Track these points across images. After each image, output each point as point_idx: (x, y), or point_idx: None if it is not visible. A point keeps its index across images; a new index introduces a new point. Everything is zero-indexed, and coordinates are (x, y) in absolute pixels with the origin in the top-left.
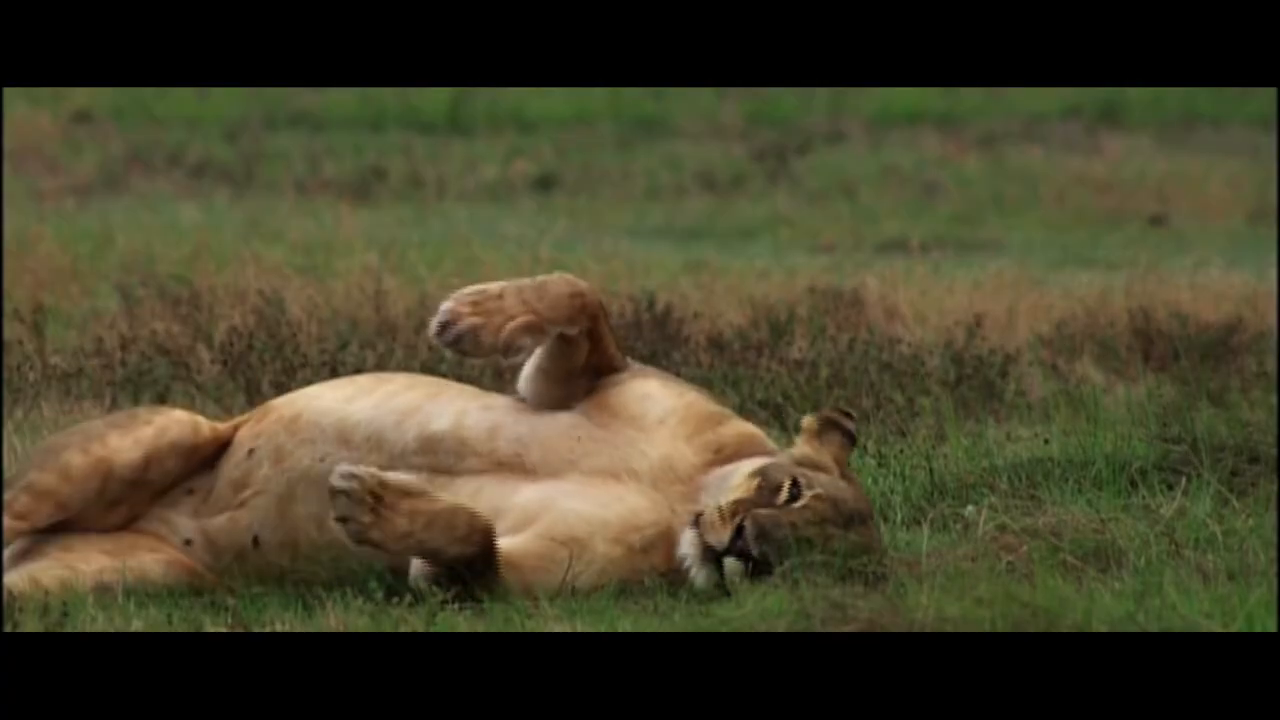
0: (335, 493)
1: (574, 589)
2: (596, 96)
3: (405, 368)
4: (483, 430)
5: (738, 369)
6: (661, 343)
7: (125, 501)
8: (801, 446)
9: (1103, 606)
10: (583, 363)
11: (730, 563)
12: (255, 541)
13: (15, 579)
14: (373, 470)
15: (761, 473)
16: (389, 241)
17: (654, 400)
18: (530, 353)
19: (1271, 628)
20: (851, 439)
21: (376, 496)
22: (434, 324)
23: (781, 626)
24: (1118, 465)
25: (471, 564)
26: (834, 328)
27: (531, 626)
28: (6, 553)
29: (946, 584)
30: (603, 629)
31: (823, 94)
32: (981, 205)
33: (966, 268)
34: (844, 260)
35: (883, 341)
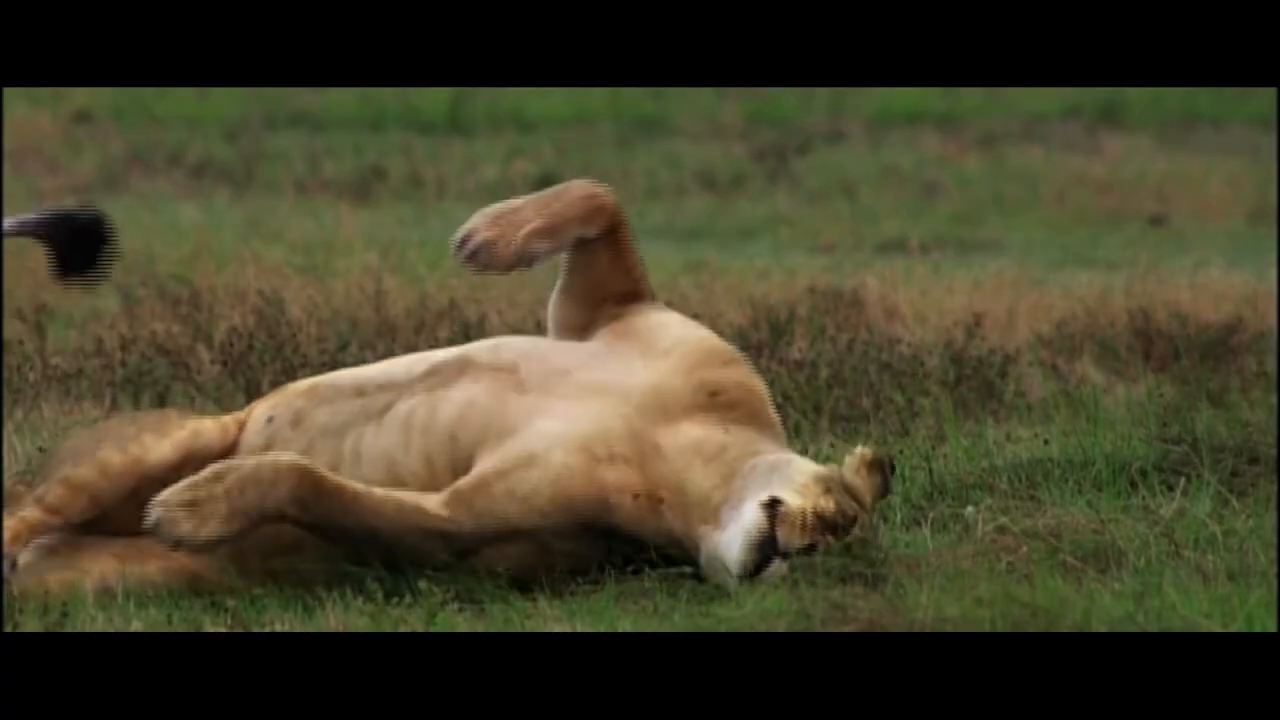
0: (152, 528)
1: (528, 503)
2: (596, 96)
3: None
4: (487, 346)
5: None
6: None
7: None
8: (852, 474)
9: (1103, 607)
10: (605, 278)
11: (779, 564)
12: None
13: (23, 579)
14: (175, 486)
15: (831, 492)
16: (389, 241)
17: (667, 329)
18: (547, 257)
19: (1271, 628)
20: (887, 488)
21: (190, 503)
22: (454, 240)
23: (781, 626)
24: (1118, 466)
25: (305, 504)
26: (834, 328)
27: (531, 626)
28: (32, 547)
29: (946, 584)
30: (603, 629)
31: (823, 94)
32: (981, 205)
33: (966, 268)
34: (844, 260)
35: (883, 342)
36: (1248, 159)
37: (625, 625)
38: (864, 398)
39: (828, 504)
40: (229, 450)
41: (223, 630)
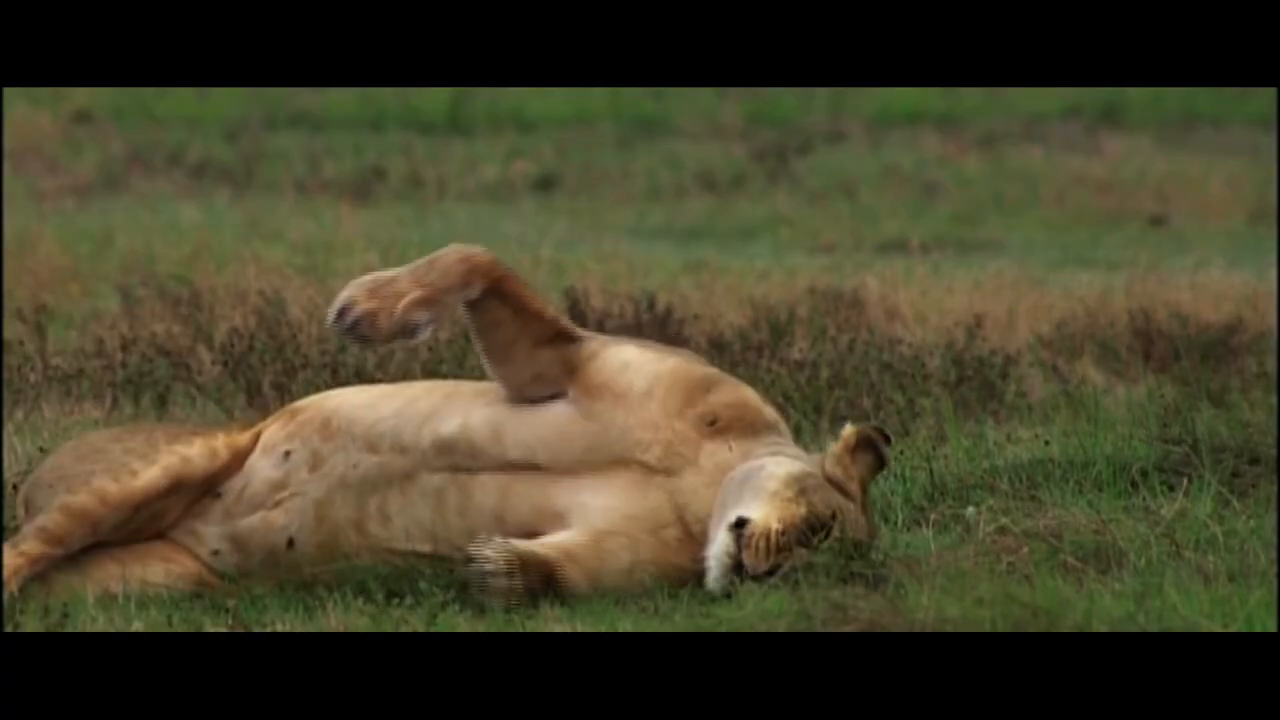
0: (479, 580)
1: (632, 575)
2: (596, 96)
3: (405, 368)
4: (488, 433)
5: (738, 369)
6: (662, 342)
7: (146, 529)
8: (834, 463)
9: (1103, 607)
10: (518, 332)
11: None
12: (290, 543)
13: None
14: (503, 544)
15: (804, 493)
16: (389, 241)
17: (635, 369)
18: (429, 328)
19: (1271, 628)
20: (883, 462)
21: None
22: (331, 312)
23: (781, 626)
24: (1118, 466)
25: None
26: (834, 328)
27: (531, 627)
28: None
29: (947, 584)
30: (603, 629)
31: (823, 94)
32: (981, 205)
33: (966, 268)
34: (844, 260)
35: (883, 342)
36: (1248, 159)
37: (625, 625)
38: (864, 398)
39: (797, 510)
40: (219, 474)
41: (223, 630)
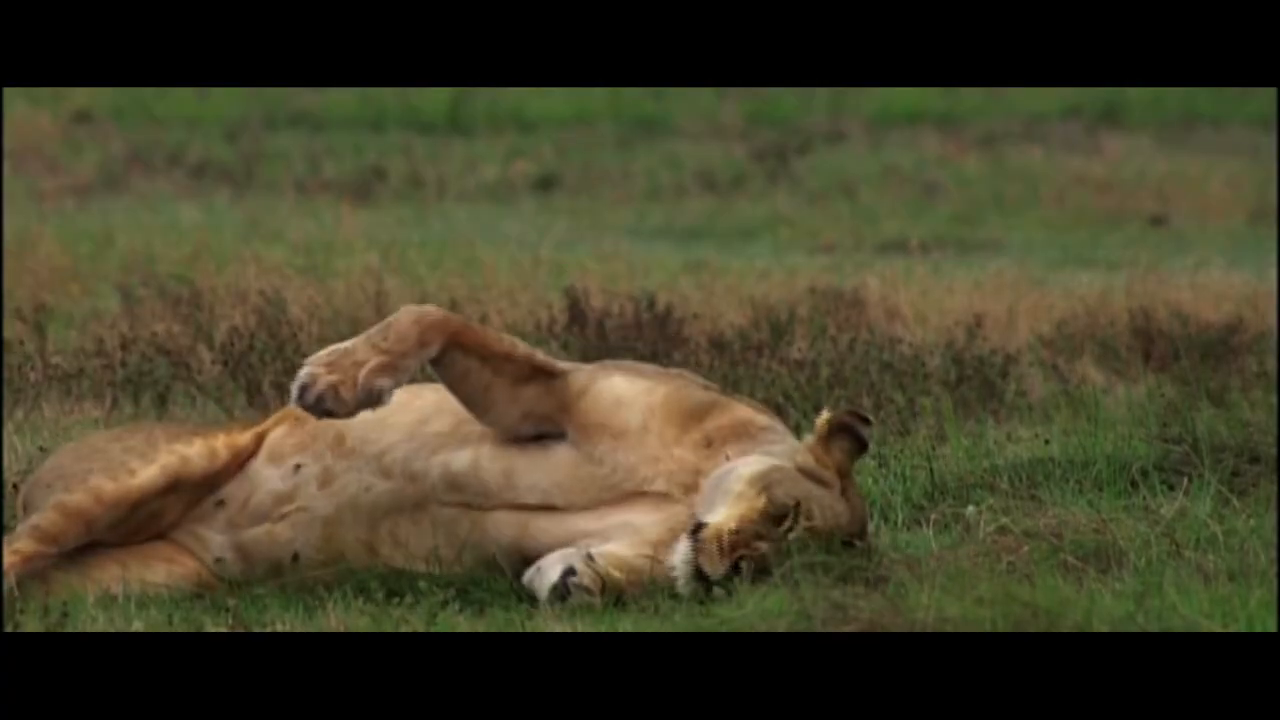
0: (561, 589)
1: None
2: (596, 96)
3: None
4: (498, 476)
5: (738, 369)
6: (662, 343)
7: (145, 529)
8: (806, 453)
9: (1103, 607)
10: (491, 378)
11: (718, 590)
12: (295, 558)
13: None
14: (595, 571)
15: (767, 489)
16: (389, 241)
17: (628, 405)
18: (391, 391)
19: (1271, 628)
20: (862, 444)
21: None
22: (294, 389)
23: (782, 626)
24: (1118, 466)
25: None
26: (834, 328)
27: (531, 627)
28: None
29: (947, 584)
30: (603, 629)
31: (823, 94)
32: (981, 205)
33: (966, 268)
34: (844, 260)
35: (883, 342)
36: (1248, 159)
37: (625, 625)
38: (865, 398)
39: (756, 505)
40: (218, 475)
41: (223, 630)
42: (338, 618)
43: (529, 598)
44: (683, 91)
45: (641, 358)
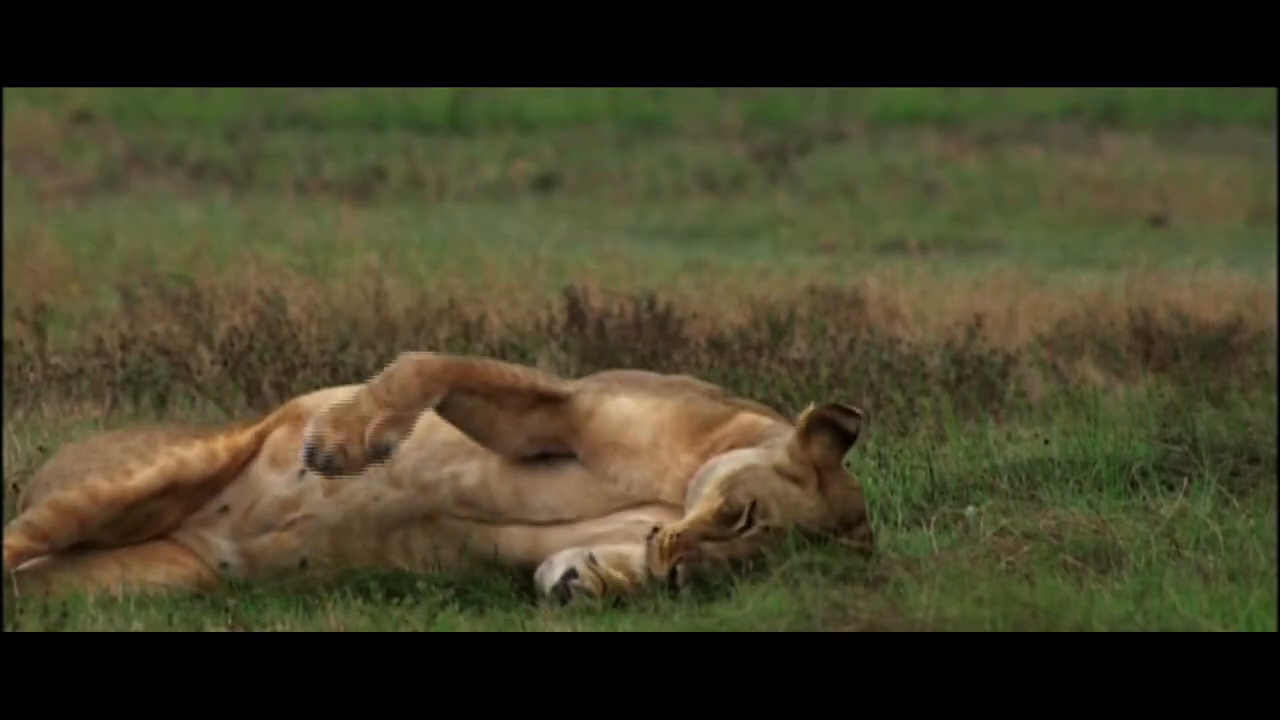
0: (562, 590)
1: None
2: (596, 96)
3: None
4: (508, 495)
5: (738, 369)
6: (662, 343)
7: (142, 530)
8: (783, 452)
9: (1103, 607)
10: (496, 412)
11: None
12: (303, 564)
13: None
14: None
15: (729, 490)
16: (389, 241)
17: (638, 423)
18: (400, 442)
19: (1271, 628)
20: (846, 437)
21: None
22: (303, 453)
23: (782, 626)
24: (1118, 466)
25: None
26: (834, 328)
27: (531, 627)
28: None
29: (947, 584)
30: (602, 629)
31: (823, 94)
32: (981, 205)
33: (966, 268)
34: (844, 260)
35: (883, 342)
36: (1248, 159)
37: (625, 625)
38: (864, 398)
39: (712, 508)
40: (217, 478)
41: (223, 630)
42: (337, 618)
43: (529, 597)
44: (683, 91)
45: (641, 357)
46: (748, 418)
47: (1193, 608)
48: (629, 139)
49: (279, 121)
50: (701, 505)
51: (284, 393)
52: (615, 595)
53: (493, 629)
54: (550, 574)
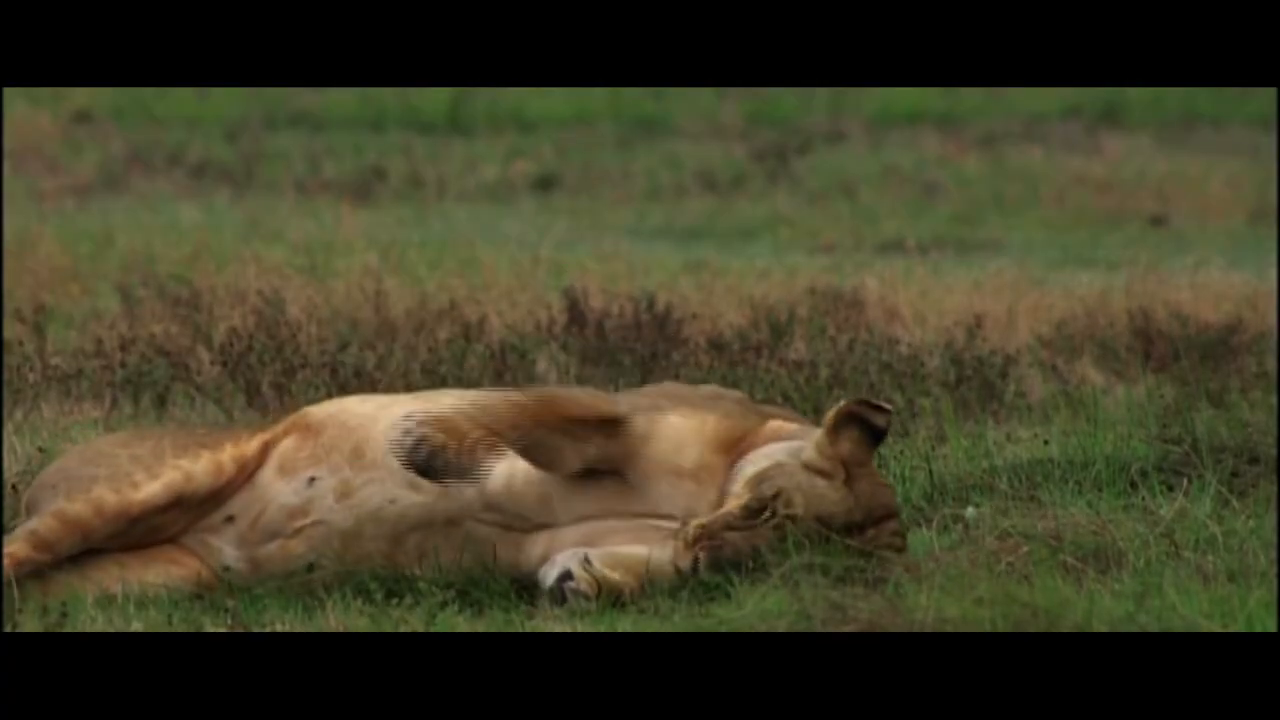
0: (558, 592)
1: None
2: (596, 96)
3: (405, 368)
4: (536, 502)
5: (737, 369)
6: (661, 343)
7: (147, 540)
8: (811, 448)
9: (1103, 607)
10: (563, 443)
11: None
12: (310, 567)
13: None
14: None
15: (757, 484)
16: (389, 241)
17: (689, 446)
18: (492, 468)
19: (1271, 628)
20: (875, 433)
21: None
22: (400, 449)
23: (782, 626)
24: (1118, 466)
25: None
26: (834, 328)
27: (531, 627)
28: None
29: (946, 585)
30: (602, 629)
31: (823, 94)
32: (981, 205)
33: (966, 268)
34: (844, 260)
35: (882, 342)
36: (1248, 159)
37: (625, 626)
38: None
39: (738, 502)
40: (223, 490)
41: (222, 630)
42: (337, 618)
43: (529, 597)
44: (683, 91)
45: (641, 358)
46: (774, 424)
47: (1193, 608)
48: (629, 139)
49: (279, 121)
50: (730, 502)
51: (283, 393)
52: (612, 596)
53: (493, 629)
54: (548, 575)
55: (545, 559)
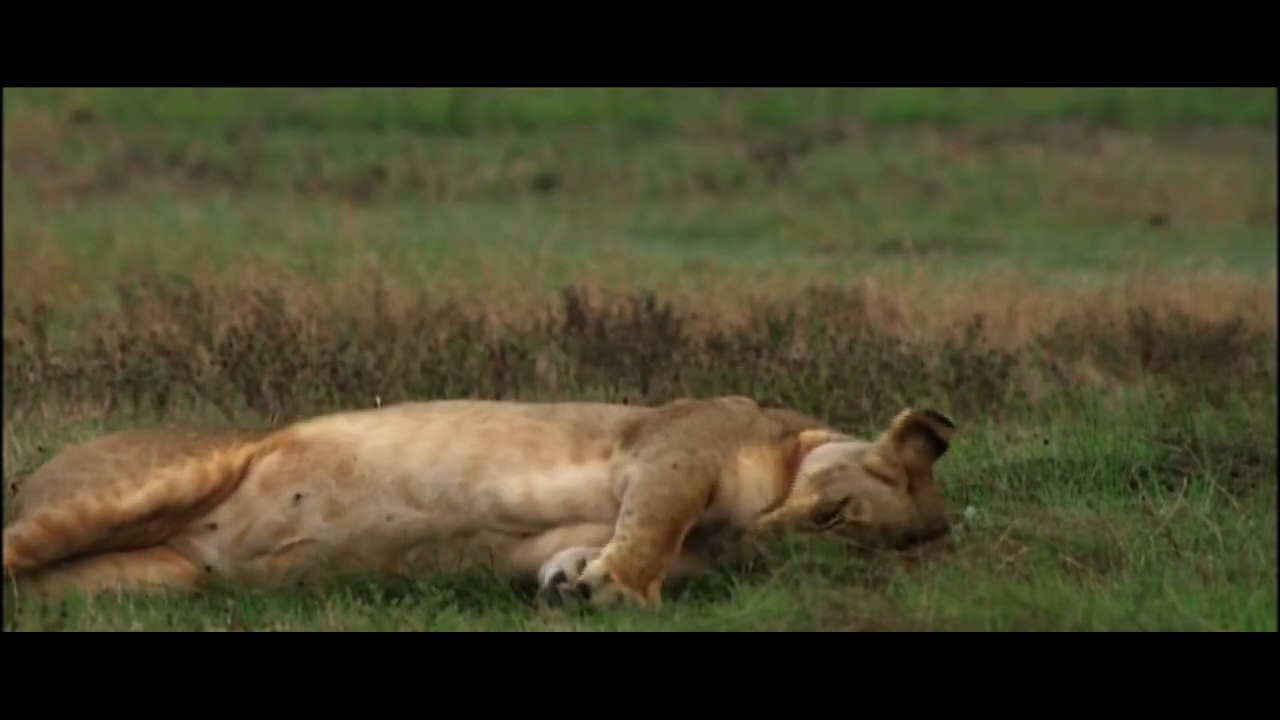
0: (550, 596)
1: None
2: (596, 96)
3: (405, 368)
4: (558, 506)
5: (737, 369)
6: (661, 343)
7: (130, 546)
8: (875, 453)
9: (1103, 607)
10: None
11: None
12: (300, 584)
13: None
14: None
15: (823, 485)
16: (389, 241)
17: (766, 486)
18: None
19: (1271, 628)
20: (939, 446)
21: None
22: (563, 588)
23: (782, 626)
24: (1118, 466)
25: None
26: (834, 328)
27: (531, 627)
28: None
29: (946, 584)
30: (602, 629)
31: (823, 94)
32: (981, 205)
33: (966, 268)
34: (844, 260)
35: (882, 342)
36: (1248, 159)
37: (625, 625)
38: (864, 398)
39: (806, 503)
40: (208, 498)
41: (222, 630)
42: (337, 618)
43: (528, 597)
44: (683, 91)
45: (641, 358)
46: (806, 435)
47: (1192, 608)
48: (629, 139)
49: (279, 121)
50: (796, 499)
51: (283, 393)
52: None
53: (492, 629)
54: (545, 574)
55: (552, 556)
